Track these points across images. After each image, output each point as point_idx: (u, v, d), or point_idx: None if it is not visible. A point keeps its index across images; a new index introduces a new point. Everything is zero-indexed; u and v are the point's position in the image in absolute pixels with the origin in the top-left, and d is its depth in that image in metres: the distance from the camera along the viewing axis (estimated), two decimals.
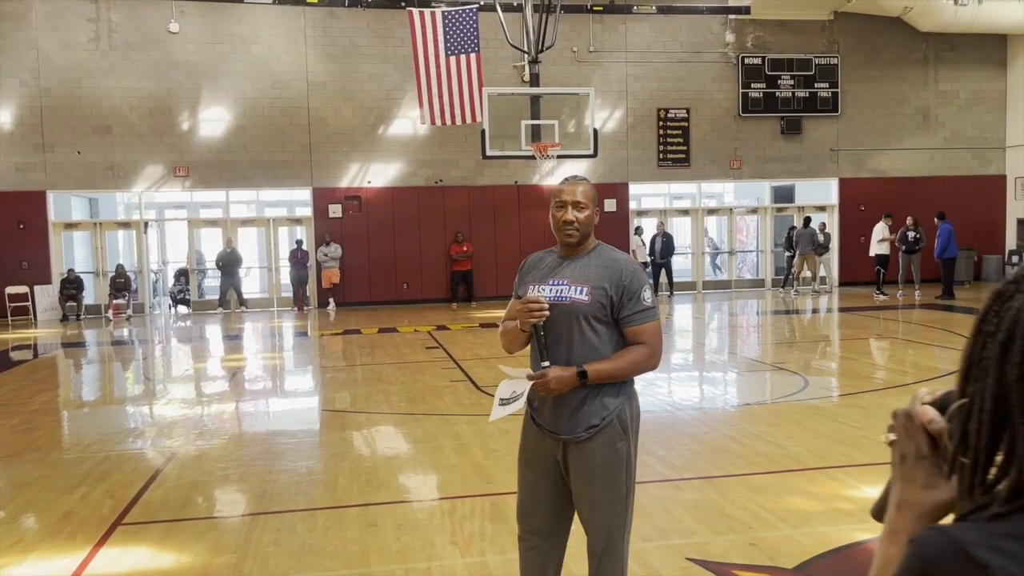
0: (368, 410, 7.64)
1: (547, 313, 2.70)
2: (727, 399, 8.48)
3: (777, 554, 3.90)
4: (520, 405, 2.79)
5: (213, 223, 18.35)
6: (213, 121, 17.07)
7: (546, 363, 2.70)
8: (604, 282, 2.73)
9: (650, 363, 2.77)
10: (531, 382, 2.73)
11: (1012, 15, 18.01)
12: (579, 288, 2.74)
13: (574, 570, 3.09)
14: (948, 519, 0.87)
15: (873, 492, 1.14)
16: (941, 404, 0.89)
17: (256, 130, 17.08)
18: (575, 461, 2.76)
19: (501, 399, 2.80)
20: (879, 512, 0.97)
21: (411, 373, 9.51)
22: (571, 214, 2.76)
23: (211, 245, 18.31)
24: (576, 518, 2.89)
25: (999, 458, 0.82)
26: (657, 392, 7.90)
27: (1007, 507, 0.78)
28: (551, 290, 2.77)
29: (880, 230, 16.96)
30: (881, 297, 16.35)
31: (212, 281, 18.77)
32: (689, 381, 9.19)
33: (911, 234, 16.62)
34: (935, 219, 16.52)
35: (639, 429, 2.85)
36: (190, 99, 16.89)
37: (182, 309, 17.51)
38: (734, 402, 8.26)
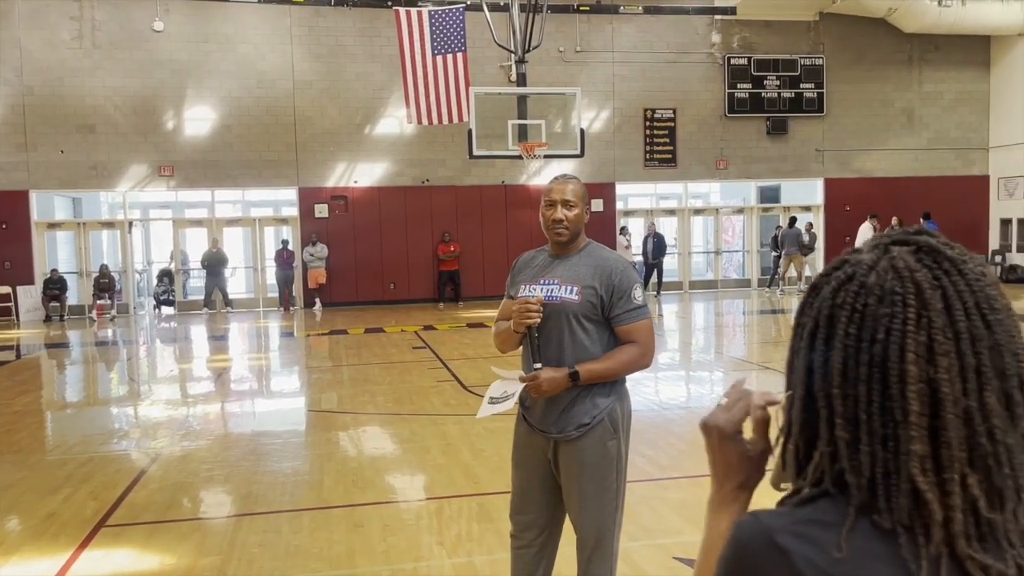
0: (354, 410, 7.61)
1: (540, 318, 2.69)
2: (714, 398, 8.47)
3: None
4: (509, 406, 2.78)
5: (198, 223, 18.23)
6: (198, 120, 16.96)
7: (538, 365, 2.70)
8: (594, 281, 2.73)
9: (642, 362, 2.77)
10: (523, 383, 2.73)
11: (995, 16, 18.16)
12: (569, 287, 2.74)
13: (563, 570, 3.08)
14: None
15: None
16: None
17: (241, 129, 16.99)
18: (565, 459, 2.76)
19: (491, 398, 2.80)
20: (779, 481, 1.00)
21: (398, 373, 9.48)
22: (560, 213, 2.76)
23: (196, 245, 18.20)
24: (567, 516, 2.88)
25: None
26: (644, 391, 7.91)
27: (813, 491, 0.82)
28: (542, 289, 2.77)
29: (866, 230, 17.07)
30: None
31: (197, 281, 18.65)
32: (676, 380, 9.20)
33: None
34: (920, 219, 16.63)
35: (630, 428, 2.84)
36: (175, 98, 16.78)
37: (166, 310, 17.37)
38: (720, 401, 8.27)
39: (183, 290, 18.16)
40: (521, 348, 2.85)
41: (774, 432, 0.94)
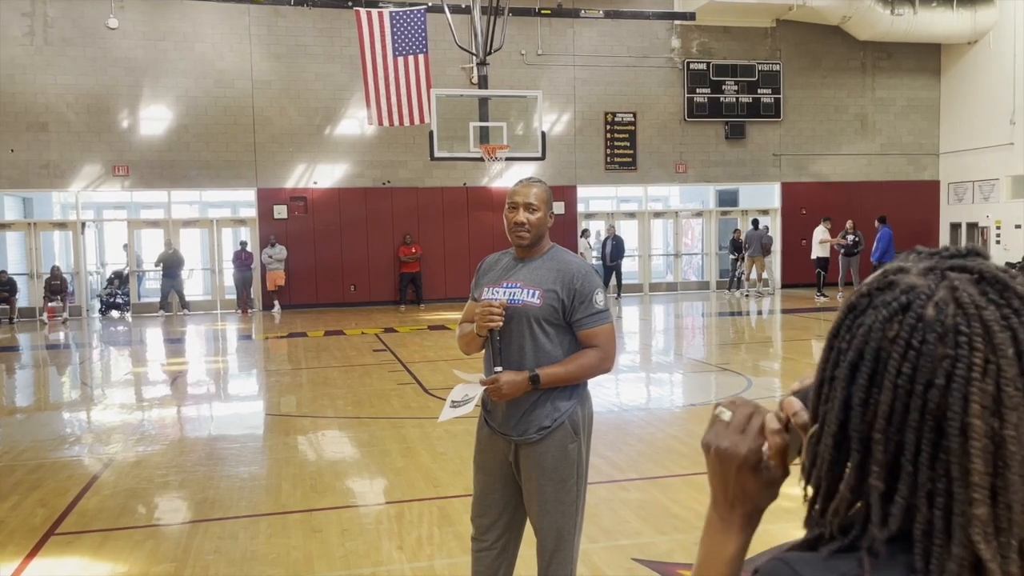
0: (313, 414, 7.53)
1: (502, 321, 2.70)
2: (673, 400, 8.58)
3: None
4: (470, 409, 2.78)
5: (154, 224, 17.90)
6: (154, 120, 16.67)
7: (499, 368, 2.70)
8: (556, 285, 2.73)
9: (603, 367, 2.78)
10: (483, 387, 2.73)
11: (945, 26, 18.63)
12: (531, 291, 2.74)
13: (523, 573, 3.08)
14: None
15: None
16: (805, 394, 0.84)
17: (199, 129, 16.73)
18: (526, 462, 2.76)
19: (453, 401, 2.80)
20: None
21: (358, 376, 9.41)
22: (523, 216, 2.76)
23: (152, 246, 17.86)
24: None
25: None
26: (604, 393, 7.95)
27: (846, 541, 0.74)
28: (504, 293, 2.77)
29: (820, 233, 17.39)
30: (821, 299, 16.74)
31: (153, 283, 18.31)
32: (635, 382, 9.27)
33: (850, 237, 17.08)
34: (876, 222, 16.98)
35: (591, 431, 2.86)
36: (130, 97, 16.47)
37: (114, 314, 16.92)
38: (680, 403, 8.36)
39: (138, 292, 17.81)
40: (484, 351, 2.85)
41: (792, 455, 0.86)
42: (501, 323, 2.71)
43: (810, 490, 0.79)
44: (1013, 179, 18.45)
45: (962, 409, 0.69)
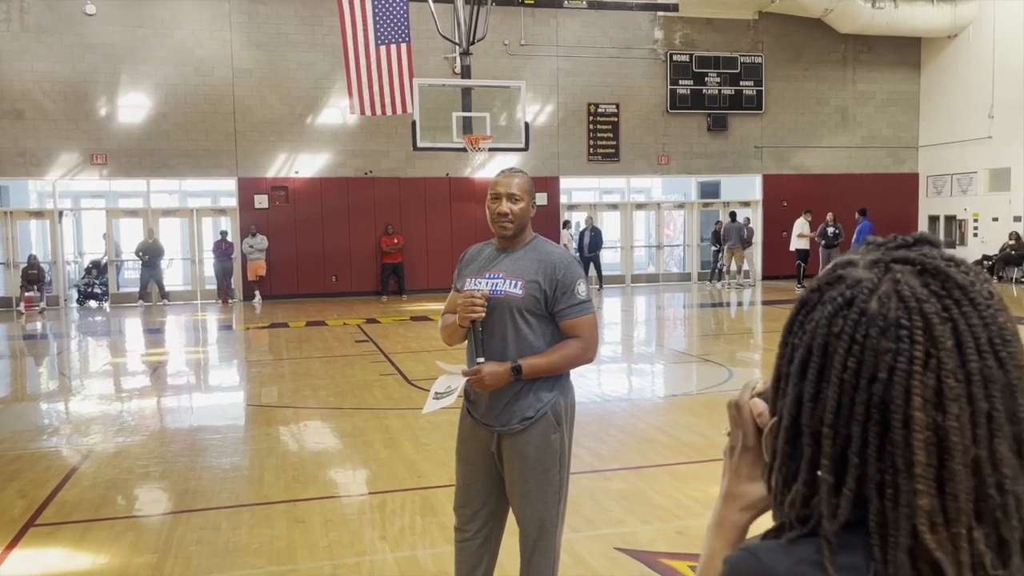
0: (296, 405, 7.51)
1: (484, 312, 2.70)
2: (655, 391, 8.63)
3: (693, 541, 3.99)
4: (452, 400, 2.79)
5: (133, 213, 17.72)
6: (133, 107, 16.48)
7: (481, 359, 2.71)
8: (538, 276, 2.74)
9: (585, 357, 2.79)
10: (466, 378, 2.73)
11: (926, 19, 18.77)
12: (513, 282, 2.74)
13: (505, 564, 3.10)
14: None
15: None
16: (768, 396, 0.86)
17: (178, 118, 16.57)
18: (509, 453, 2.77)
19: (436, 393, 2.81)
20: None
21: (340, 367, 9.38)
22: (505, 206, 2.76)
23: (131, 236, 17.69)
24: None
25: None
26: (586, 384, 7.98)
27: (805, 529, 0.75)
28: (487, 283, 2.77)
29: (800, 225, 17.52)
30: (802, 291, 16.83)
31: (132, 273, 18.14)
32: (618, 373, 9.31)
33: (830, 229, 17.20)
34: (856, 214, 17.11)
35: (574, 422, 2.87)
36: (108, 84, 16.27)
37: (92, 304, 16.71)
38: (661, 393, 8.41)
39: (117, 282, 17.64)
40: (467, 342, 2.85)
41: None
42: (484, 314, 2.71)
43: (772, 485, 0.81)
44: (991, 172, 18.66)
45: (904, 402, 0.70)
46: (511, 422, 2.75)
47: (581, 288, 2.76)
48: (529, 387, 2.74)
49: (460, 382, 2.78)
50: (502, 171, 2.89)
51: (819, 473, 0.74)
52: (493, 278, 2.78)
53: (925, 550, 0.70)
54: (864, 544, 0.72)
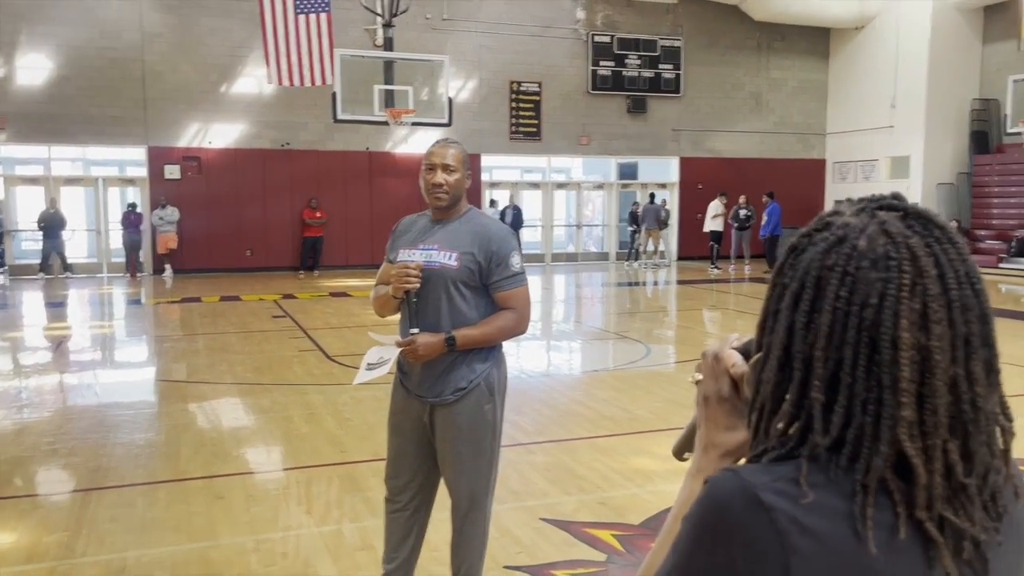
0: (211, 380, 7.32)
1: (419, 283, 2.69)
2: (575, 366, 8.76)
3: (625, 511, 4.09)
4: (386, 370, 2.78)
5: (33, 181, 16.84)
6: (32, 69, 15.61)
7: (415, 330, 2.69)
8: (473, 247, 2.73)
9: (518, 328, 2.81)
10: (399, 348, 2.72)
11: (835, 11, 19.44)
12: (448, 253, 2.74)
13: (433, 537, 3.11)
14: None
15: None
16: (745, 350, 0.92)
17: (82, 81, 15.78)
18: (442, 423, 2.78)
19: (368, 364, 2.79)
20: (679, 451, 1.02)
21: (257, 343, 9.18)
22: (440, 177, 2.75)
23: (30, 204, 16.79)
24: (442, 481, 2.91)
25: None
26: (509, 360, 8.01)
27: (784, 450, 0.81)
28: (421, 255, 2.76)
29: (714, 207, 17.99)
30: (715, 271, 17.36)
31: (31, 244, 17.26)
32: (539, 349, 9.40)
33: (743, 212, 17.74)
34: (764, 197, 17.67)
35: (506, 393, 2.89)
36: (5, 45, 15.36)
37: None
38: (581, 369, 8.54)
39: (14, 252, 16.75)
40: (400, 313, 2.84)
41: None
42: (418, 285, 2.70)
43: (754, 417, 0.86)
44: (892, 160, 19.54)
45: (893, 324, 0.77)
46: (444, 393, 2.75)
47: (515, 260, 2.78)
48: (463, 358, 2.75)
49: (393, 353, 2.77)
50: (437, 141, 2.88)
51: (813, 394, 0.80)
52: (427, 249, 2.77)
53: (898, 461, 0.77)
54: (835, 464, 0.79)
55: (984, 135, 18.85)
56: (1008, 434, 0.83)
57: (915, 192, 18.67)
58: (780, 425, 0.83)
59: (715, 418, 0.93)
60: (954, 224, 17.74)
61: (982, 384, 0.79)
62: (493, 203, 18.38)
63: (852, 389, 0.78)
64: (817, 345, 0.80)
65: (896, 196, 0.86)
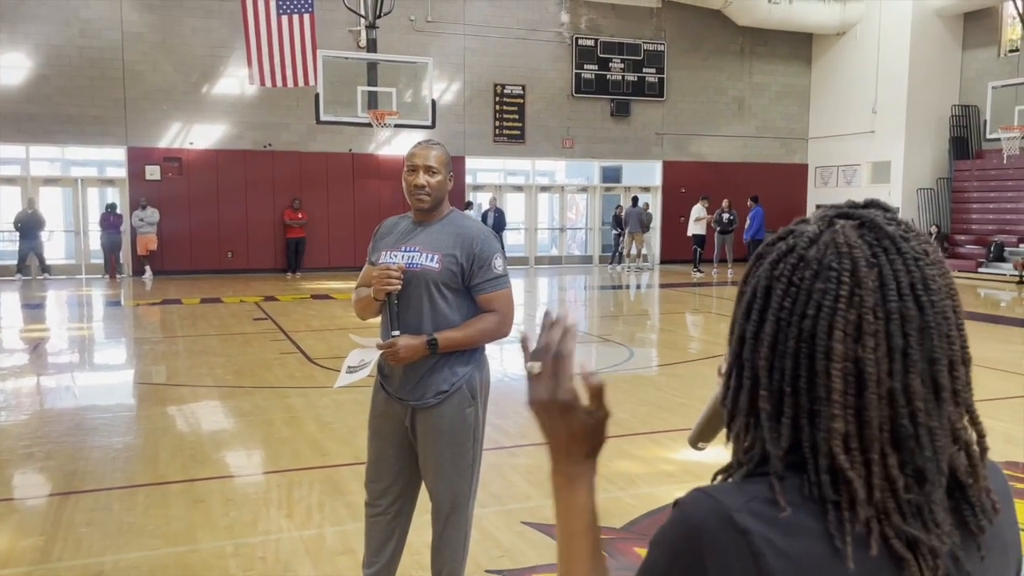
0: (191, 383, 7.25)
1: (400, 285, 2.66)
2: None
3: (606, 515, 4.08)
4: (367, 373, 2.75)
5: (10, 181, 16.64)
6: (10, 68, 15.43)
7: (396, 332, 2.67)
8: (455, 249, 2.72)
9: (501, 331, 2.79)
10: (380, 351, 2.69)
11: (817, 16, 19.59)
12: (430, 255, 2.72)
13: (414, 540, 3.09)
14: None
15: (693, 455, 1.19)
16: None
17: (62, 81, 15.62)
18: (423, 427, 2.75)
19: (349, 367, 2.76)
20: (695, 440, 1.01)
21: (237, 345, 9.11)
22: (422, 179, 2.73)
23: (7, 205, 16.60)
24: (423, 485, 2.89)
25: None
26: (491, 362, 8.00)
27: (752, 466, 0.81)
28: (403, 256, 2.74)
29: (697, 211, 18.07)
30: (698, 274, 17.42)
31: (7, 245, 17.05)
32: (521, 352, 9.37)
33: (725, 216, 17.82)
34: (748, 201, 17.76)
35: (488, 396, 2.88)
36: None
37: None
38: (531, 370, 8.51)
39: None
40: (381, 316, 2.81)
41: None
42: (399, 287, 2.68)
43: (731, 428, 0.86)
44: (873, 165, 19.71)
45: (827, 335, 0.77)
46: (425, 396, 2.73)
47: (498, 262, 2.76)
48: (444, 361, 2.73)
49: (374, 355, 2.75)
50: (419, 143, 2.86)
51: (759, 403, 0.80)
52: (409, 251, 2.75)
53: (840, 469, 0.76)
54: (807, 480, 0.78)
55: (964, 141, 19.05)
56: (972, 448, 0.81)
57: (896, 197, 18.83)
58: (739, 433, 0.83)
59: (571, 445, 0.91)
60: (934, 229, 17.91)
61: (922, 399, 0.77)
62: (469, 204, 18.28)
63: (796, 400, 0.78)
64: (763, 355, 0.80)
65: (873, 203, 0.86)
